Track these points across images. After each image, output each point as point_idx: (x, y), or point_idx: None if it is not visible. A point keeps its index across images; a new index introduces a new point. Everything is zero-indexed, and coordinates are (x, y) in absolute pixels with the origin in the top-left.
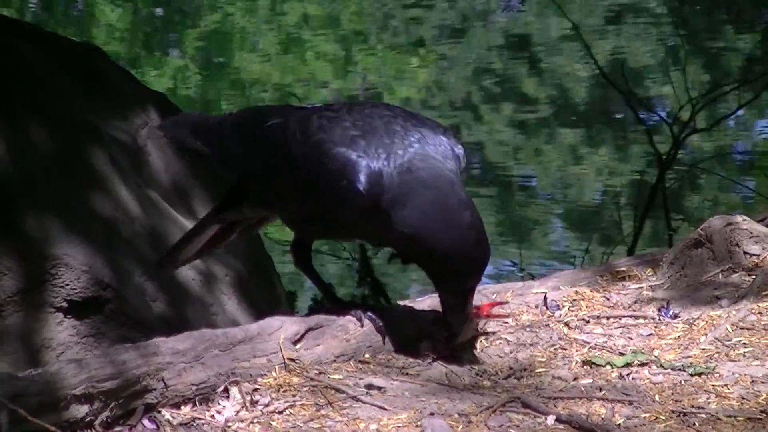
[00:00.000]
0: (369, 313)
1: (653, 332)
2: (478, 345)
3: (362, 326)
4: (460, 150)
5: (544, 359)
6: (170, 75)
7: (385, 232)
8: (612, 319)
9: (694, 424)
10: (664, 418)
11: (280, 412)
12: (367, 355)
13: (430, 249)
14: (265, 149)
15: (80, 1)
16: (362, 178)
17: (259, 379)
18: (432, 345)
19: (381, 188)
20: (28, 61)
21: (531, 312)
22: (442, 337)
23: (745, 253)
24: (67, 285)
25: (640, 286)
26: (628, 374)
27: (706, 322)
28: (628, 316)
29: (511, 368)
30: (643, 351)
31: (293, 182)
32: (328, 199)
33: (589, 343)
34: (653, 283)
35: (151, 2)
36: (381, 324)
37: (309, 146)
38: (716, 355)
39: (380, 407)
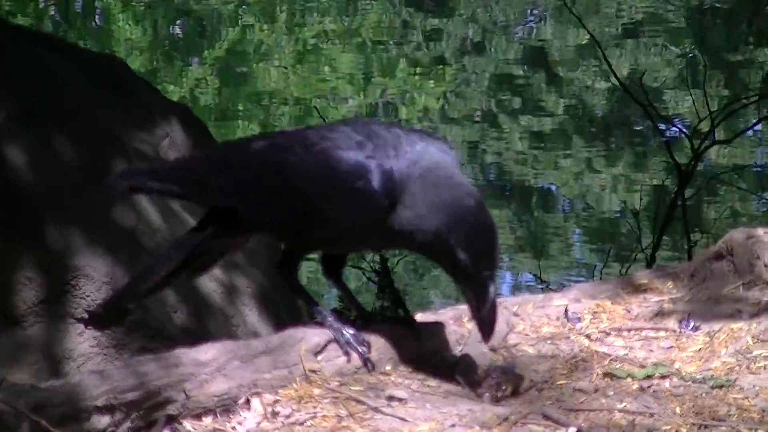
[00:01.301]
0: (353, 343)
1: (674, 345)
2: (499, 358)
3: (348, 360)
4: (455, 154)
5: (565, 371)
6: (190, 88)
7: (394, 232)
8: (633, 332)
9: None
10: (684, 430)
11: (301, 424)
12: (388, 367)
13: (440, 236)
14: (258, 171)
15: (99, 14)
16: (377, 178)
17: (281, 391)
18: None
19: (393, 186)
20: (53, 73)
21: (552, 324)
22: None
23: (765, 265)
24: (89, 296)
25: (661, 298)
26: (648, 386)
27: (727, 334)
28: (649, 328)
29: (532, 380)
30: (664, 363)
31: (299, 196)
32: (343, 204)
33: (610, 356)
34: (674, 296)
35: (171, 18)
36: (367, 354)
37: (314, 155)
38: (737, 368)
39: (401, 419)
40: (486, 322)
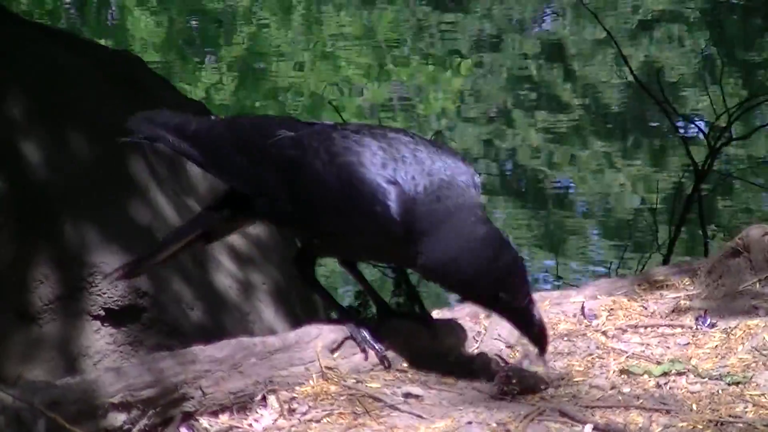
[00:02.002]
0: (370, 340)
1: (690, 341)
2: (515, 355)
3: (366, 358)
4: (477, 179)
5: (581, 368)
6: (205, 85)
7: (411, 259)
8: (649, 328)
9: None
10: (701, 427)
11: (317, 421)
12: (404, 364)
13: (481, 284)
14: (276, 162)
15: (115, 10)
16: (396, 205)
17: (297, 388)
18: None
19: (413, 216)
20: (68, 70)
21: (568, 321)
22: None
23: None
24: (105, 293)
25: (678, 295)
26: (665, 383)
27: (744, 331)
28: (665, 325)
29: (548, 377)
30: (680, 360)
31: (316, 201)
32: (357, 223)
33: (626, 352)
34: (690, 292)
35: (186, 12)
36: (383, 352)
37: (336, 167)
38: (753, 365)
39: (418, 416)
40: (539, 339)
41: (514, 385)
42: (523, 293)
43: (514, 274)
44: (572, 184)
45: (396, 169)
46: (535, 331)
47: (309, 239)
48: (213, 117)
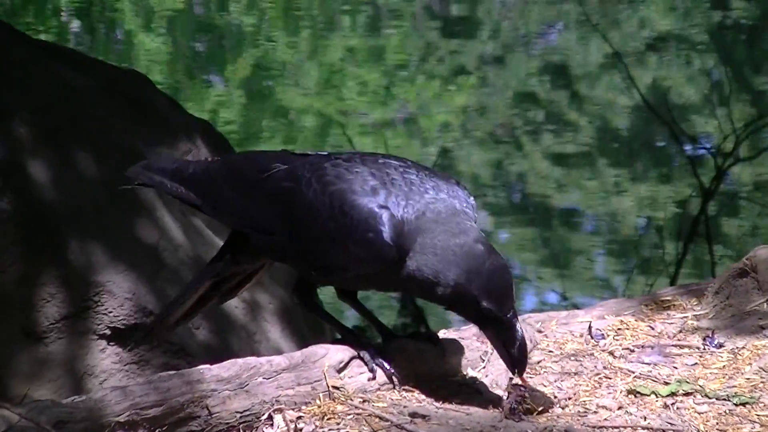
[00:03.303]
0: (378, 359)
1: (698, 361)
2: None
3: (374, 377)
4: (472, 201)
5: (588, 388)
6: (212, 104)
7: (407, 281)
8: (657, 348)
9: None
10: None
11: None
12: (411, 384)
13: (461, 290)
14: (271, 195)
15: (120, 30)
16: (388, 230)
17: (304, 407)
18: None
19: (404, 238)
20: (75, 89)
21: (576, 341)
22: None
23: None
24: (111, 312)
25: (685, 315)
26: (672, 404)
27: (751, 351)
28: (672, 345)
29: (555, 397)
30: (687, 380)
31: (310, 231)
32: (352, 251)
33: (633, 372)
34: (698, 313)
35: (191, 34)
36: (391, 370)
37: (328, 196)
38: (761, 385)
39: None
40: (518, 360)
41: (527, 404)
42: (507, 304)
43: (499, 283)
44: (579, 206)
45: (387, 194)
46: (514, 350)
47: (307, 271)
48: (210, 158)
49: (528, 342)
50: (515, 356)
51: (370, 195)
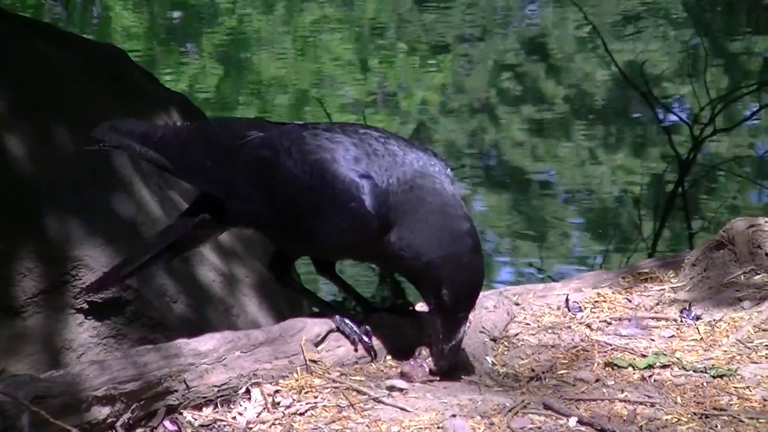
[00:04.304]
0: (357, 332)
1: (675, 334)
2: (500, 348)
3: (356, 350)
4: (450, 172)
5: (566, 361)
6: (188, 77)
7: (385, 251)
8: (634, 321)
9: (716, 426)
10: (686, 419)
11: (301, 414)
12: (388, 357)
13: (430, 267)
14: (248, 164)
15: (98, 4)
16: (370, 199)
17: (281, 381)
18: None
19: (387, 208)
20: (53, 64)
21: (553, 314)
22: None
23: (767, 254)
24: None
25: (662, 287)
26: (650, 376)
27: (728, 323)
28: (650, 317)
29: (533, 370)
30: (665, 353)
31: (289, 201)
32: (333, 220)
33: (611, 345)
34: (675, 285)
35: (168, 7)
36: (370, 343)
37: (309, 165)
38: (738, 357)
39: (402, 409)
40: (445, 357)
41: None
42: (466, 305)
43: (470, 281)
44: (555, 177)
45: (369, 163)
46: (446, 347)
47: (284, 241)
48: (179, 124)
49: (505, 314)
50: (445, 353)
51: (352, 164)
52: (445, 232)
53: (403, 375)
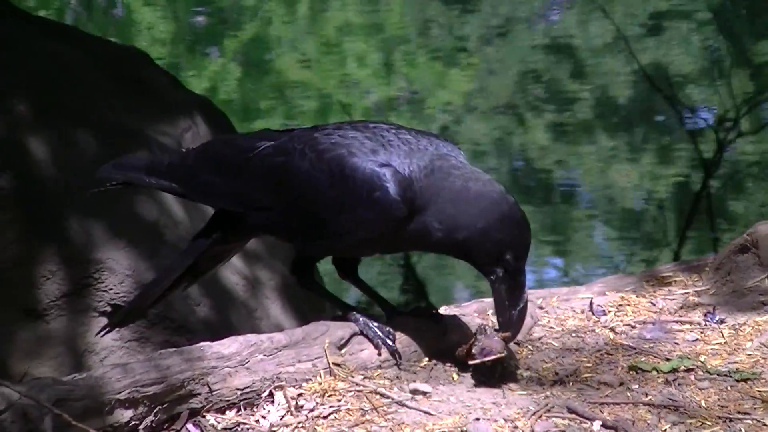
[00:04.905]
0: (381, 335)
1: (699, 337)
2: (524, 351)
3: (379, 354)
4: (462, 153)
5: (590, 364)
6: (210, 79)
7: (420, 237)
8: (658, 324)
9: (741, 429)
10: (710, 423)
11: (324, 417)
12: (412, 360)
13: (486, 235)
14: (263, 173)
15: (120, 5)
16: (394, 186)
17: (304, 384)
18: (465, 353)
19: (413, 194)
20: (75, 67)
21: (577, 317)
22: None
23: None
24: (111, 289)
25: (686, 291)
26: (674, 380)
27: (752, 327)
28: (674, 321)
29: (556, 373)
30: (689, 356)
31: (311, 202)
32: (359, 214)
33: (635, 349)
34: (699, 289)
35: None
36: (395, 347)
37: (326, 162)
38: (762, 361)
39: (425, 412)
40: (516, 320)
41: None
42: (525, 258)
43: (522, 234)
44: (580, 181)
45: (387, 154)
46: (515, 311)
47: (306, 243)
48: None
49: (529, 318)
50: (514, 318)
51: (370, 155)
52: (483, 200)
53: (469, 355)
